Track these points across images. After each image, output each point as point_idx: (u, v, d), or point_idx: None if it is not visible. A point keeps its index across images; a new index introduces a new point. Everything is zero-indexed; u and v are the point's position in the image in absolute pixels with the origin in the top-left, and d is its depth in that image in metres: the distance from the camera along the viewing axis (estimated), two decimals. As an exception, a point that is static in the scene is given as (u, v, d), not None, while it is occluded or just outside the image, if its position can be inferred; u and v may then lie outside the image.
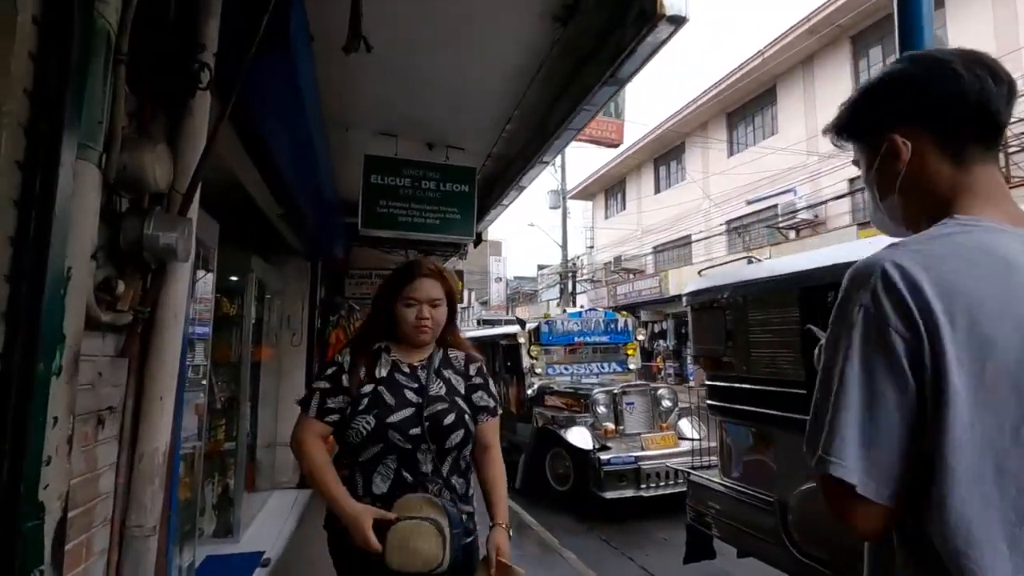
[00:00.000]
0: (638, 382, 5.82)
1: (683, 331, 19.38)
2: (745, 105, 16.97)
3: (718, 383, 2.97)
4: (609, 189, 25.39)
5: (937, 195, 0.75)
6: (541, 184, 20.89)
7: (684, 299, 3.37)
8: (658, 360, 18.14)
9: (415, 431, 1.48)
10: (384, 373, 1.55)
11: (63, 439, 1.09)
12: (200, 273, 3.24)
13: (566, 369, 6.38)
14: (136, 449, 1.53)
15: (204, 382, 3.47)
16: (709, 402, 3.08)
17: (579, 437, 5.06)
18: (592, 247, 25.26)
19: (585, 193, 26.14)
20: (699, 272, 3.43)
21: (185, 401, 3.09)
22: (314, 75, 2.62)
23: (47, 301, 1.01)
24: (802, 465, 2.42)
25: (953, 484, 0.59)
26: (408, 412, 1.50)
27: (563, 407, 5.57)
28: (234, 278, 4.50)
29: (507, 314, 28.85)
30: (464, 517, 1.52)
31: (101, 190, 1.22)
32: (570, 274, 22.04)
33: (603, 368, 6.45)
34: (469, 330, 11.47)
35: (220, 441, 4.31)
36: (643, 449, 4.90)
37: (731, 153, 17.70)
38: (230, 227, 5.17)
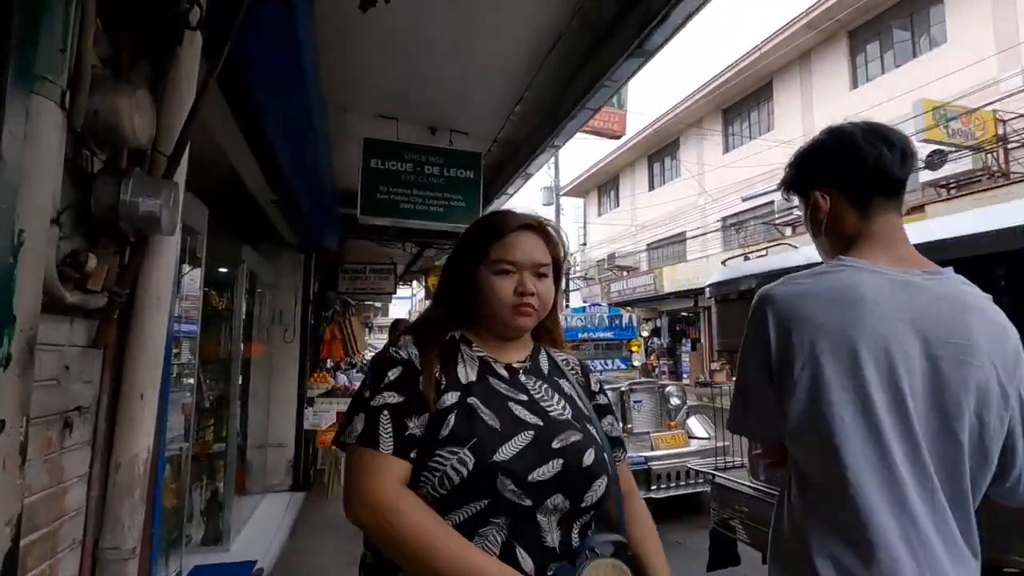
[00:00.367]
0: (645, 379, 5.63)
1: (677, 328, 19.29)
2: (741, 101, 16.87)
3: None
4: (602, 186, 25.23)
5: (844, 238, 1.00)
6: (535, 180, 20.69)
7: (707, 291, 3.17)
8: (652, 358, 18.03)
9: (542, 475, 0.88)
10: (473, 376, 0.97)
11: (14, 448, 0.86)
12: (186, 268, 2.99)
13: (569, 366, 6.17)
14: (112, 456, 1.30)
15: (191, 380, 3.23)
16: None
17: (586, 436, 4.86)
18: (585, 244, 25.11)
19: (579, 190, 25.96)
20: (722, 262, 3.24)
21: (171, 400, 2.85)
22: (313, 40, 2.38)
23: (-13, 269, 0.78)
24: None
25: (789, 426, 0.92)
26: (523, 442, 0.89)
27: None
28: (224, 269, 4.25)
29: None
30: None
31: (65, 137, 0.99)
32: (564, 271, 21.83)
33: (607, 365, 6.25)
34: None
35: (208, 443, 4.06)
36: (653, 449, 4.71)
37: (726, 149, 17.60)
38: (219, 213, 4.89)
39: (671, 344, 19.15)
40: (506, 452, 0.87)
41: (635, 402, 5.25)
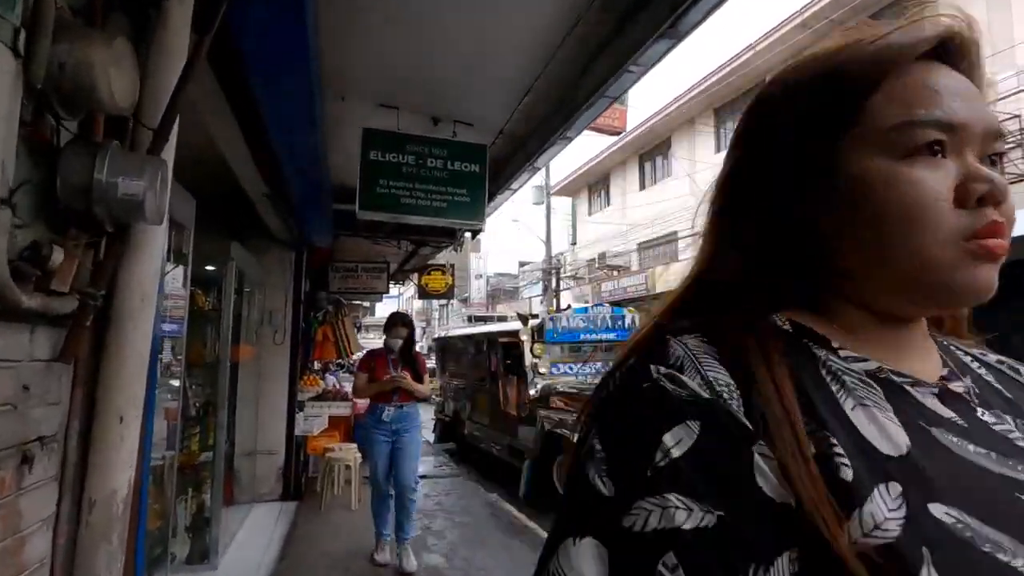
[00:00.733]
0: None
1: (669, 328, 19.16)
2: (734, 100, 16.82)
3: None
4: (593, 185, 25.10)
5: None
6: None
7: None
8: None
9: None
10: (902, 434, 0.37)
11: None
12: (170, 265, 2.74)
13: (571, 368, 5.98)
14: (85, 494, 1.07)
15: (176, 383, 2.97)
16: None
17: (592, 442, 4.66)
18: (575, 244, 24.96)
19: (569, 189, 25.81)
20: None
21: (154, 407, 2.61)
22: (316, 10, 2.15)
23: None
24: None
25: None
26: None
27: (572, 409, 5.17)
28: (211, 267, 3.99)
29: (487, 311, 28.43)
30: None
31: (21, 94, 0.76)
32: (554, 271, 21.69)
33: (609, 367, 6.06)
34: (460, 327, 11.03)
35: (194, 452, 3.79)
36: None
37: (719, 148, 17.55)
38: (207, 207, 4.60)
39: (662, 344, 19.06)
40: None
41: (642, 406, 5.08)
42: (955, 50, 0.45)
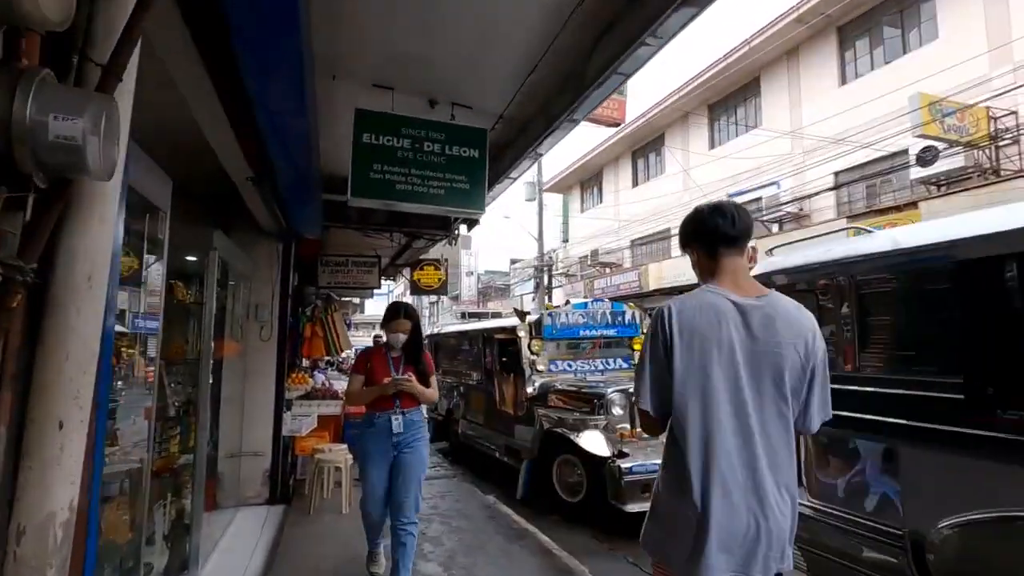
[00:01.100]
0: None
1: (661, 326, 19.06)
2: (728, 96, 16.72)
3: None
4: (585, 181, 24.95)
5: (705, 274, 1.57)
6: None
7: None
8: (637, 355, 17.82)
9: None
10: None
11: None
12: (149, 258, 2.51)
13: (569, 366, 5.79)
14: (13, 520, 0.85)
15: (152, 377, 2.74)
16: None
17: (594, 442, 4.48)
18: (567, 241, 24.78)
19: (561, 186, 25.63)
20: (768, 251, 2.88)
21: (127, 408, 2.37)
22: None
23: None
24: (953, 491, 1.88)
25: (676, 401, 1.41)
26: None
27: (571, 408, 4.98)
28: (191, 258, 3.75)
29: (478, 308, 28.19)
30: None
31: None
32: (546, 268, 21.51)
33: (608, 364, 5.90)
34: (454, 324, 10.80)
35: (174, 455, 3.55)
36: (667, 455, 4.36)
37: (712, 145, 17.45)
38: (186, 191, 4.34)
39: (655, 342, 18.94)
40: None
41: (645, 404, 4.90)
42: None
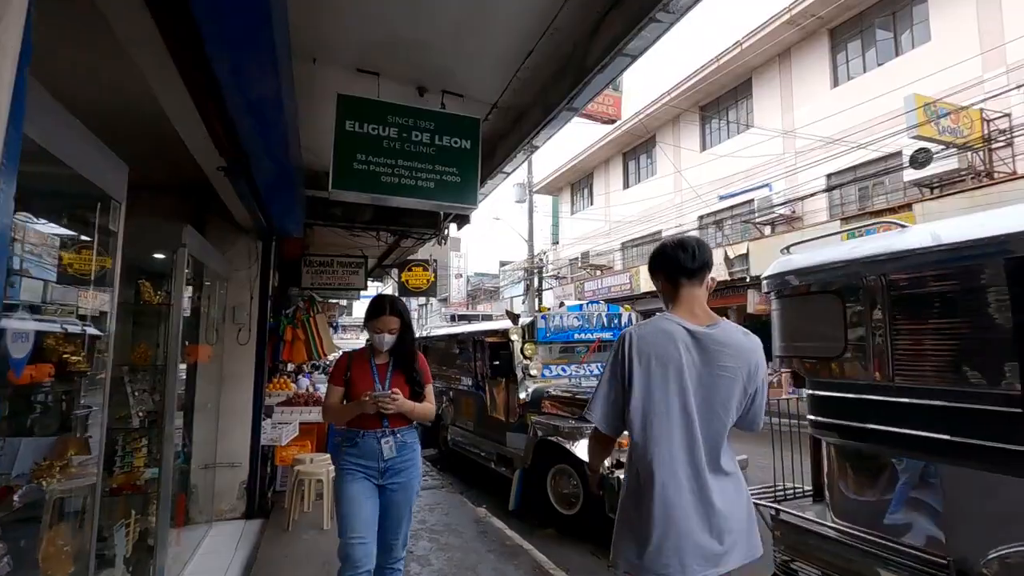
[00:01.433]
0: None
1: (652, 329, 18.92)
2: (719, 98, 16.64)
3: (829, 393, 2.22)
4: (575, 183, 24.80)
5: (667, 300, 1.73)
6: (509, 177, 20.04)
7: (765, 284, 2.60)
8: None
9: None
10: None
11: None
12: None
13: (564, 370, 5.56)
14: None
15: (102, 381, 2.46)
16: (812, 417, 2.32)
17: (591, 452, 4.25)
18: (557, 243, 24.59)
19: (551, 187, 25.46)
20: (784, 249, 2.68)
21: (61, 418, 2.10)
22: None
23: None
24: (1007, 516, 1.67)
25: (633, 416, 1.56)
26: None
27: (566, 415, 4.75)
28: (161, 255, 3.47)
29: (467, 311, 27.90)
30: None
31: None
32: (536, 270, 21.29)
33: (603, 368, 5.67)
34: (443, 326, 10.53)
35: (138, 469, 3.27)
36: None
37: (704, 147, 17.37)
38: (151, 182, 4.06)
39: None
40: None
41: (643, 411, 4.69)
42: None
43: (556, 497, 4.67)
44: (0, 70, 0.70)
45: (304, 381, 7.41)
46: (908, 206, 10.01)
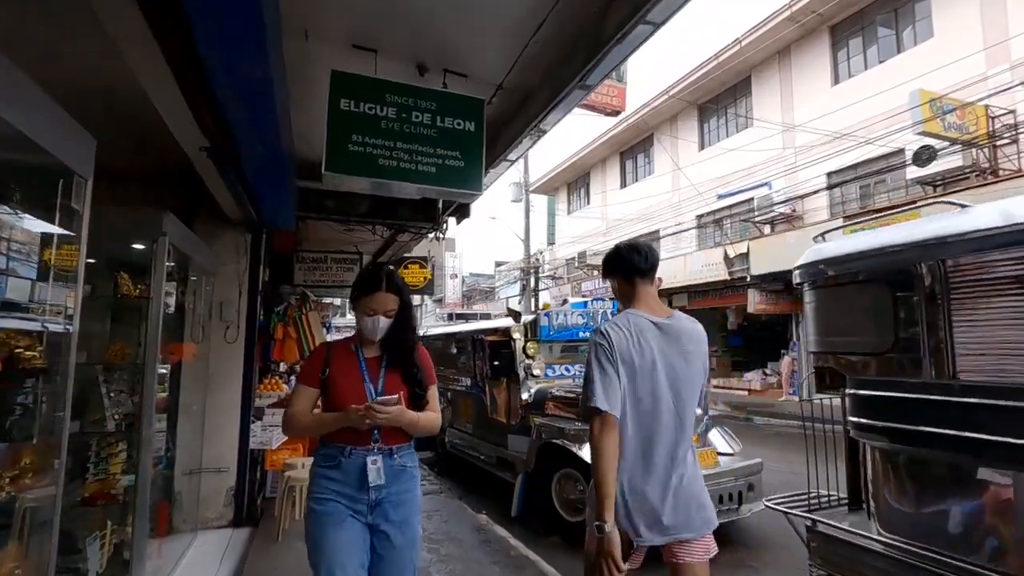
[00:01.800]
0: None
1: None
2: (718, 97, 16.49)
3: (875, 392, 2.01)
4: (572, 183, 24.62)
5: (626, 300, 1.97)
6: (504, 176, 19.83)
7: (796, 275, 2.39)
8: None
9: None
10: None
11: None
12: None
13: (568, 370, 5.34)
14: None
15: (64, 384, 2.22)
16: (855, 419, 2.11)
17: (599, 455, 4.03)
18: (553, 243, 24.37)
19: (547, 187, 25.28)
20: (818, 236, 2.47)
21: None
22: None
23: None
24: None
25: (626, 403, 1.77)
26: None
27: (571, 416, 4.53)
28: (141, 246, 3.23)
29: (463, 310, 27.64)
30: None
31: None
32: (533, 270, 21.07)
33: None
34: (441, 325, 10.29)
35: (114, 476, 3.03)
36: (680, 470, 3.92)
37: (702, 146, 17.22)
38: (128, 164, 3.80)
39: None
40: None
41: (653, 413, 4.47)
42: None
43: (561, 503, 4.44)
44: None
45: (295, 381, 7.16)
46: (913, 203, 9.85)
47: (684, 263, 15.46)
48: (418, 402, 1.95)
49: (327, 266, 6.80)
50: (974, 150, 9.80)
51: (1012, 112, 9.66)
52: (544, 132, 3.43)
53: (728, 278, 13.65)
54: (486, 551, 3.72)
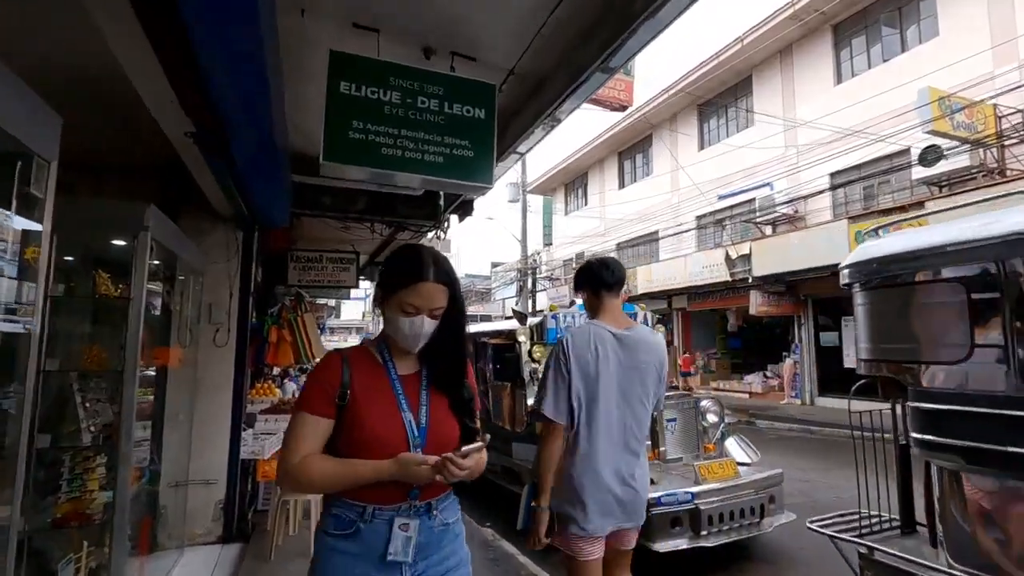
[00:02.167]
0: (673, 392, 4.63)
1: (649, 331, 18.54)
2: (718, 96, 16.32)
3: (945, 406, 1.79)
4: (570, 183, 24.42)
5: (593, 311, 2.19)
6: (504, 176, 19.56)
7: (845, 274, 2.17)
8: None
9: None
10: None
11: None
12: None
13: (575, 374, 5.11)
14: None
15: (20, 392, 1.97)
16: (919, 435, 1.89)
17: (612, 466, 3.80)
18: (549, 244, 24.16)
19: (545, 187, 25.06)
20: (870, 232, 2.25)
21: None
22: None
23: None
24: None
25: (575, 405, 1.99)
26: None
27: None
28: (123, 242, 2.97)
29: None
30: None
31: None
32: (530, 271, 20.84)
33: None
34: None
35: (90, 494, 2.76)
36: (699, 482, 3.70)
37: (702, 146, 17.05)
38: (122, 169, 3.54)
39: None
40: None
41: (668, 421, 4.25)
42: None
43: (571, 516, 4.21)
44: None
45: (291, 386, 6.88)
46: (921, 204, 9.70)
47: (684, 264, 15.28)
48: (469, 439, 1.38)
49: (322, 265, 6.55)
50: (981, 150, 9.64)
51: (1020, 111, 9.52)
52: (559, 121, 3.19)
53: (729, 279, 13.46)
54: (494, 571, 3.47)
